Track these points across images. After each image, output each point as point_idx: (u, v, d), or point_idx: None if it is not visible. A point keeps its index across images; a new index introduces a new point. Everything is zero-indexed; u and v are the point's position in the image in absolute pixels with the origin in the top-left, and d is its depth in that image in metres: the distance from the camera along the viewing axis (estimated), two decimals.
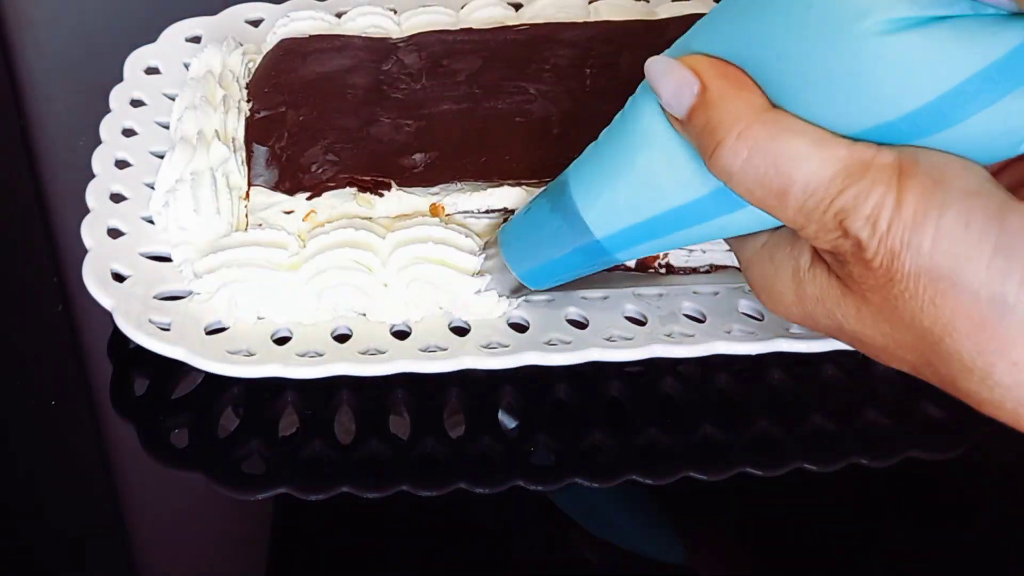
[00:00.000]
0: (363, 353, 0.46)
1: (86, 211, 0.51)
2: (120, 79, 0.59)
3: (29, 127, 0.64)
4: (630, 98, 0.39)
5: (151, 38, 0.61)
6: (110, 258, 0.49)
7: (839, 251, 0.34)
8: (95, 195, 0.52)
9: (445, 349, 0.46)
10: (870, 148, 0.33)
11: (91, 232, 0.50)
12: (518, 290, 0.46)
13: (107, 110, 0.57)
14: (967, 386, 0.32)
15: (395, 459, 0.45)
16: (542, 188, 0.48)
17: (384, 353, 0.46)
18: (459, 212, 0.49)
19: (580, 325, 0.47)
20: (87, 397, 0.49)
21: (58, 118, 0.64)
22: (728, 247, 0.49)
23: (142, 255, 0.49)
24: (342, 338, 0.47)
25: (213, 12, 0.63)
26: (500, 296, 0.47)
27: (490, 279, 0.47)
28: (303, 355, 0.46)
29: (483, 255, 0.47)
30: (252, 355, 0.46)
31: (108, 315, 0.47)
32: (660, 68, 0.36)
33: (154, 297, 0.48)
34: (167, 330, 0.46)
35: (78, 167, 0.54)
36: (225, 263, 0.47)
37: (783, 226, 0.37)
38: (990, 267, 0.31)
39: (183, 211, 0.49)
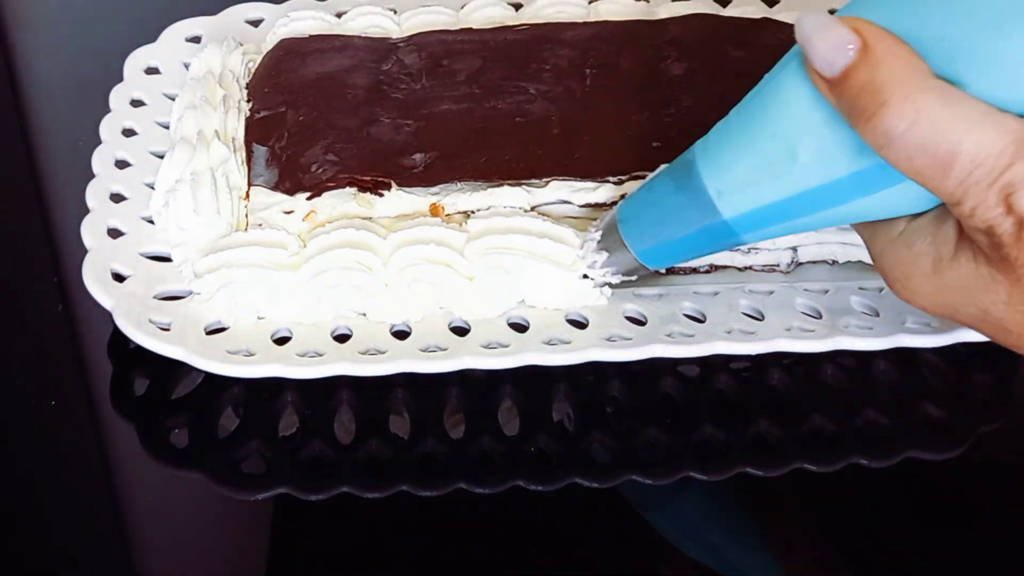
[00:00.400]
0: (363, 353, 0.46)
1: (86, 211, 0.51)
2: (120, 79, 0.59)
3: (29, 127, 0.64)
4: (766, 75, 0.38)
5: (151, 38, 0.61)
6: (110, 258, 0.49)
7: (996, 231, 0.33)
8: (95, 195, 0.52)
9: (445, 349, 0.46)
10: None
11: (91, 232, 0.50)
12: (634, 270, 0.45)
13: (107, 110, 0.57)
14: None
15: (395, 459, 0.45)
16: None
17: (384, 353, 0.46)
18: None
19: (580, 325, 0.47)
20: (87, 397, 0.49)
21: (58, 118, 0.64)
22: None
23: (142, 255, 0.49)
24: (342, 338, 0.47)
25: (213, 12, 0.63)
26: (615, 276, 0.46)
27: (607, 257, 0.46)
28: (303, 355, 0.46)
29: (598, 232, 0.46)
30: (252, 355, 0.46)
31: (108, 315, 0.47)
32: (815, 24, 0.35)
33: (154, 297, 0.48)
34: (167, 330, 0.46)
35: (78, 167, 0.54)
36: (225, 263, 0.47)
37: (923, 214, 0.37)
38: None
39: (183, 211, 0.49)
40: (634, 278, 0.47)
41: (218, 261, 0.47)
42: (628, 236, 0.44)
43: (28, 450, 0.46)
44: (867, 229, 0.39)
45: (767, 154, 0.38)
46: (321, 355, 0.46)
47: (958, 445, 0.46)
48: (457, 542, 0.43)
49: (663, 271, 0.49)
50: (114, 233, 0.50)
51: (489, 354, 0.46)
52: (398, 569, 0.42)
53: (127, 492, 0.46)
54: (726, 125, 0.40)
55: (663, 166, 0.43)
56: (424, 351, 0.46)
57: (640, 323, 0.48)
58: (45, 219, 0.58)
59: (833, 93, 0.35)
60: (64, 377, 0.50)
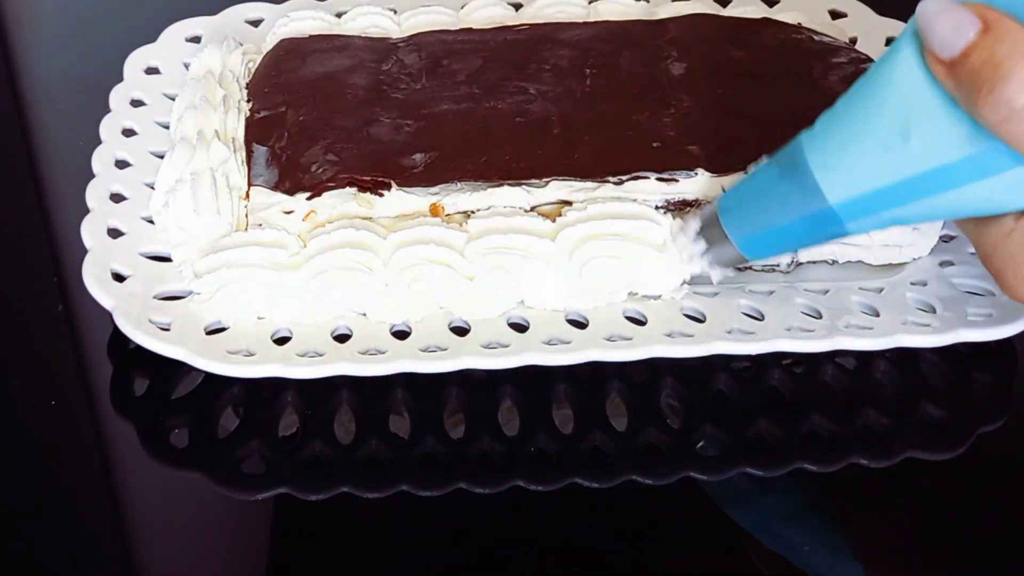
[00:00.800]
0: (363, 353, 0.46)
1: (86, 211, 0.51)
2: (120, 79, 0.59)
3: (29, 127, 0.64)
4: (874, 62, 0.39)
5: (151, 38, 0.61)
6: (110, 258, 0.49)
7: None
8: (95, 195, 0.52)
9: (445, 349, 0.46)
10: None
11: (91, 232, 0.50)
12: (733, 261, 0.45)
13: (107, 110, 0.57)
14: None
15: (395, 459, 0.45)
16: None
17: (384, 353, 0.46)
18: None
19: (580, 325, 0.47)
20: (87, 397, 0.49)
21: (58, 118, 0.64)
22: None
23: (142, 255, 0.49)
24: (342, 338, 0.47)
25: (213, 12, 0.63)
26: (714, 267, 0.46)
27: (705, 247, 0.45)
28: (303, 355, 0.46)
29: (698, 221, 0.46)
30: (252, 355, 0.46)
31: (108, 315, 0.47)
32: (936, 7, 0.36)
33: (154, 297, 0.48)
34: (167, 330, 0.46)
35: (78, 167, 0.54)
36: (225, 263, 0.47)
37: None
38: None
39: (183, 211, 0.49)
40: (730, 272, 0.47)
41: (218, 261, 0.47)
42: (729, 226, 0.44)
43: (28, 450, 0.46)
44: (975, 228, 0.40)
45: (877, 138, 0.38)
46: (321, 355, 0.46)
47: (958, 445, 0.46)
48: (457, 542, 0.43)
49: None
50: (114, 233, 0.50)
51: (489, 354, 0.46)
52: (398, 569, 0.42)
53: (127, 492, 0.46)
54: (834, 112, 0.40)
55: (764, 157, 0.43)
56: (424, 351, 0.46)
57: (640, 323, 0.48)
58: (45, 219, 0.58)
59: (951, 74, 0.36)
60: (64, 377, 0.50)
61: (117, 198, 0.52)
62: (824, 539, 0.44)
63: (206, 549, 0.44)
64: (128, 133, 0.56)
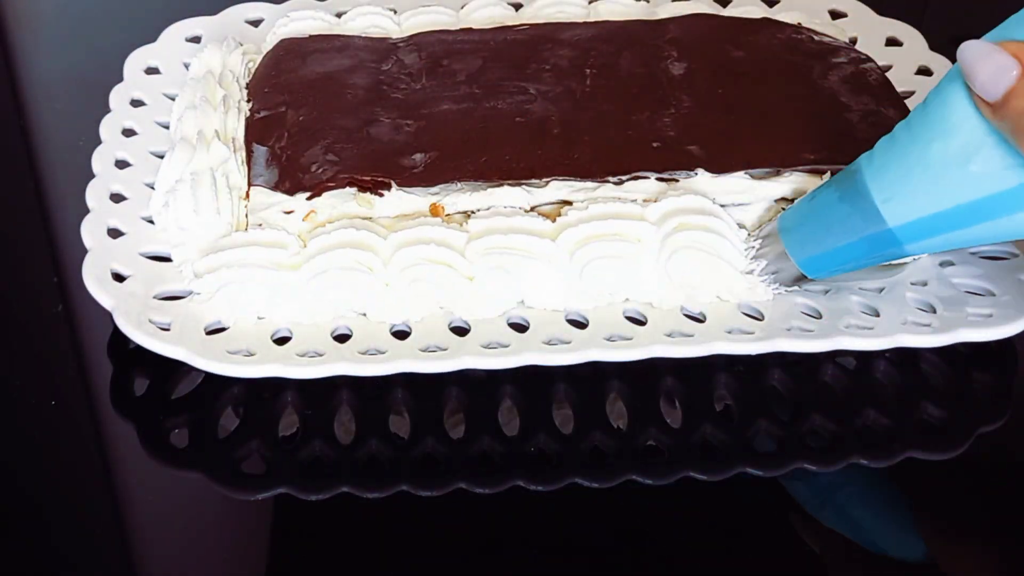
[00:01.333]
0: (363, 353, 0.46)
1: (86, 211, 0.51)
2: (120, 79, 0.59)
3: (29, 127, 0.64)
4: (931, 90, 0.40)
5: (151, 38, 0.61)
6: (110, 258, 0.49)
7: None
8: (95, 195, 0.52)
9: (445, 349, 0.46)
10: None
11: (91, 232, 0.50)
12: (794, 279, 0.47)
13: (107, 110, 0.57)
14: None
15: (395, 459, 0.45)
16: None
17: (384, 353, 0.46)
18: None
19: (580, 325, 0.47)
20: (87, 397, 0.49)
21: (58, 118, 0.64)
22: None
23: (142, 255, 0.49)
24: (342, 338, 0.47)
25: (213, 12, 0.63)
26: (773, 285, 0.47)
27: (765, 264, 0.47)
28: (303, 355, 0.46)
29: (758, 241, 0.47)
30: (252, 355, 0.46)
31: (108, 315, 0.47)
32: (977, 51, 0.37)
33: (154, 297, 0.48)
34: (167, 330, 0.46)
35: (78, 167, 0.54)
36: (225, 263, 0.47)
37: None
38: None
39: (183, 211, 0.49)
40: (791, 288, 0.48)
41: (218, 261, 0.47)
42: (790, 245, 0.45)
43: (28, 450, 0.46)
44: None
45: (936, 165, 0.39)
46: (321, 355, 0.46)
47: (958, 445, 0.46)
48: (457, 542, 0.43)
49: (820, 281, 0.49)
50: (114, 233, 0.50)
51: (489, 354, 0.46)
52: (398, 569, 0.42)
53: (127, 492, 0.46)
54: (893, 138, 0.41)
55: (825, 179, 0.45)
56: (424, 351, 0.46)
57: (640, 323, 0.48)
58: (45, 219, 0.58)
59: (996, 115, 0.37)
60: (64, 377, 0.50)
61: (117, 198, 0.52)
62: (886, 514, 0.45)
63: (206, 549, 0.44)
64: (128, 133, 0.56)
